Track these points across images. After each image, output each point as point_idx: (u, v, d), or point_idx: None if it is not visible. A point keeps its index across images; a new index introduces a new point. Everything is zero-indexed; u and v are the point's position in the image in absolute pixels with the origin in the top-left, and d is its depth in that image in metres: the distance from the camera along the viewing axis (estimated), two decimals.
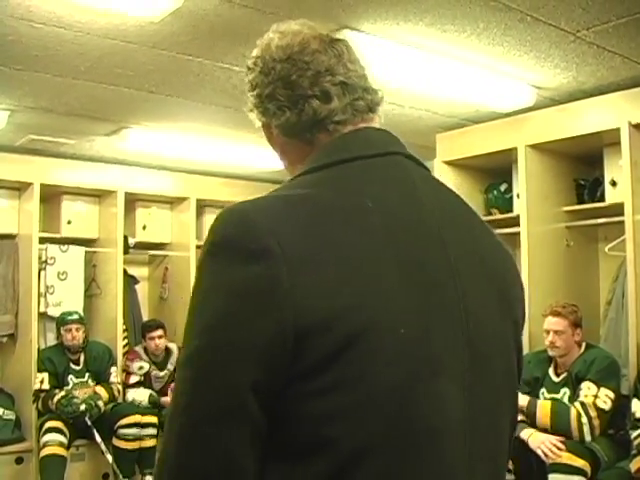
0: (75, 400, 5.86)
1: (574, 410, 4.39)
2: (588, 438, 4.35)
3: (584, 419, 4.34)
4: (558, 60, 4.36)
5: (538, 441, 4.39)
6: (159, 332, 6.56)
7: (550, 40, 4.04)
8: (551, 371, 4.73)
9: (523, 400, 4.51)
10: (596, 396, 4.39)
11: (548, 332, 4.66)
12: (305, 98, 1.26)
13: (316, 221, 1.10)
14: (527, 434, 4.45)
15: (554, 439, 4.36)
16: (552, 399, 4.62)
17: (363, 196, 1.17)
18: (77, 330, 6.12)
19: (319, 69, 1.27)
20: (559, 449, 4.30)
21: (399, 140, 1.31)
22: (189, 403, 1.05)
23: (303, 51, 1.29)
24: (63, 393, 5.88)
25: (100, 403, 6.01)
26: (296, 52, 1.29)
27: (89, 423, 5.85)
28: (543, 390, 4.71)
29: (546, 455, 4.31)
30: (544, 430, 4.45)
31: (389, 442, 1.06)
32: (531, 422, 4.51)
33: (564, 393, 4.63)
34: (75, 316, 6.16)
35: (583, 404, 4.39)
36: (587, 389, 4.44)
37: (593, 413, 4.35)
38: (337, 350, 1.03)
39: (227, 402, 1.03)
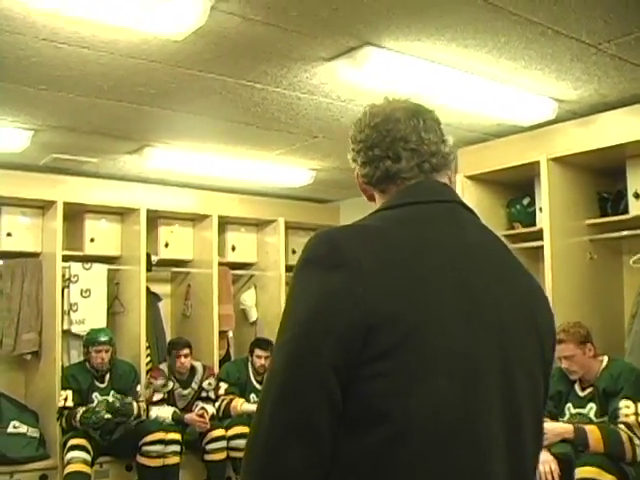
0: (97, 409, 5.90)
1: (624, 434, 4.28)
2: None
3: (637, 441, 4.24)
4: (580, 73, 4.35)
5: (542, 459, 4.33)
6: (186, 351, 6.57)
7: (572, 53, 4.04)
8: (577, 386, 4.68)
9: (568, 428, 4.38)
10: (637, 413, 4.32)
11: (560, 359, 4.61)
12: (381, 158, 1.61)
13: (384, 246, 1.43)
14: None
15: (555, 467, 4.32)
16: (578, 414, 4.57)
17: (422, 230, 1.51)
18: (106, 352, 6.14)
19: (396, 136, 1.60)
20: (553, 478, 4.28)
21: (455, 192, 1.66)
22: (283, 379, 1.34)
23: (386, 120, 1.62)
24: (85, 408, 5.90)
25: (118, 405, 6.04)
26: (380, 122, 1.63)
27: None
28: (569, 405, 4.64)
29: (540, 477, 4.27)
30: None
31: (432, 423, 1.34)
32: (583, 449, 4.35)
33: (590, 408, 4.56)
34: (105, 338, 6.16)
35: (629, 425, 4.30)
36: (626, 408, 4.34)
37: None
38: (396, 343, 1.34)
39: (313, 378, 1.33)
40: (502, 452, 1.42)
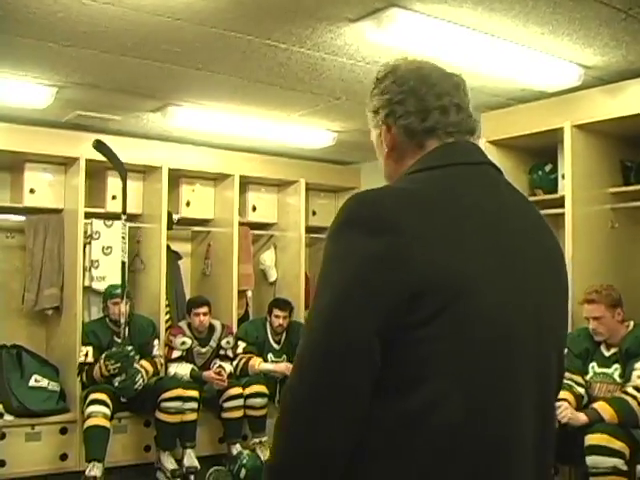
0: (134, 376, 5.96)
1: (633, 401, 4.33)
2: None
3: None
4: (608, 39, 4.30)
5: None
6: (204, 309, 6.62)
7: (600, 18, 3.99)
8: (602, 346, 4.73)
9: (583, 418, 4.43)
10: None
11: (588, 320, 4.64)
12: (429, 110, 1.58)
13: (426, 210, 1.41)
14: None
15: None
16: (603, 373, 4.66)
17: (461, 194, 1.49)
18: (121, 304, 6.17)
19: (442, 91, 1.59)
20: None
21: (486, 155, 1.64)
22: (326, 343, 1.33)
23: (431, 74, 1.62)
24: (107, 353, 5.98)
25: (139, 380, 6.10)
26: (426, 74, 1.61)
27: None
28: (593, 364, 4.73)
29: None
30: None
31: (470, 386, 1.36)
32: None
33: (615, 369, 4.65)
34: (119, 290, 6.16)
35: (639, 389, 4.36)
36: None
37: None
38: (440, 309, 1.34)
39: (358, 343, 1.32)
40: (532, 413, 1.46)
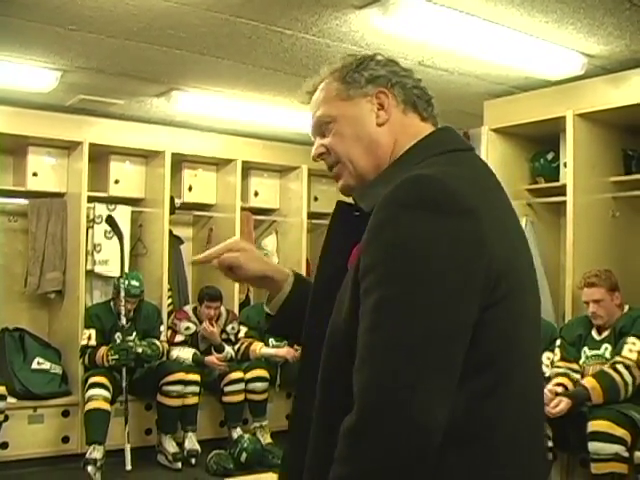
0: (130, 344, 6.02)
1: (618, 377, 4.41)
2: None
3: (629, 379, 4.42)
4: (612, 28, 4.31)
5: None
6: (217, 304, 6.67)
7: (605, 7, 4.00)
8: (594, 330, 4.81)
9: (566, 402, 4.48)
10: None
11: (587, 303, 4.70)
12: (420, 90, 1.60)
13: (484, 195, 1.40)
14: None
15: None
16: (594, 356, 4.75)
17: (484, 178, 1.49)
18: (133, 303, 6.25)
19: (418, 83, 1.61)
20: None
21: None
22: (427, 344, 1.26)
23: (404, 68, 1.62)
24: (112, 349, 5.98)
25: (150, 352, 6.15)
26: (400, 67, 1.62)
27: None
28: (585, 349, 4.81)
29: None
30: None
31: (525, 365, 1.41)
32: (586, 403, 4.50)
33: (605, 349, 4.73)
34: (137, 291, 6.22)
35: (627, 366, 4.44)
36: (632, 344, 4.52)
37: (637, 372, 4.43)
38: (508, 290, 1.34)
39: (460, 326, 1.28)
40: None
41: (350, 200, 1.63)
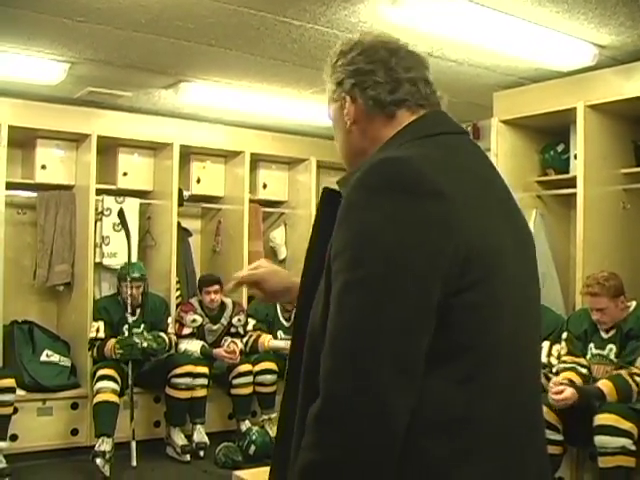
0: (135, 339, 6.02)
1: (633, 384, 4.37)
2: None
3: None
4: (624, 18, 4.27)
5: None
6: (216, 287, 6.63)
7: None
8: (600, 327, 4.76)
9: (572, 391, 4.41)
10: None
11: (592, 310, 4.65)
12: (400, 80, 1.56)
13: (456, 176, 1.38)
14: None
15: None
16: (599, 355, 4.70)
17: (468, 161, 1.49)
18: (137, 288, 6.22)
19: (410, 65, 1.58)
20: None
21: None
22: (387, 323, 1.25)
23: (399, 49, 1.60)
24: (119, 343, 6.00)
25: (155, 346, 6.16)
26: (394, 48, 1.60)
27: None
28: (591, 345, 4.76)
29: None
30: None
31: (506, 352, 1.38)
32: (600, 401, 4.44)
33: (610, 349, 4.68)
34: (137, 274, 6.21)
35: None
36: None
37: None
38: (482, 276, 1.33)
39: (422, 308, 1.27)
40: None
41: (336, 187, 1.64)
